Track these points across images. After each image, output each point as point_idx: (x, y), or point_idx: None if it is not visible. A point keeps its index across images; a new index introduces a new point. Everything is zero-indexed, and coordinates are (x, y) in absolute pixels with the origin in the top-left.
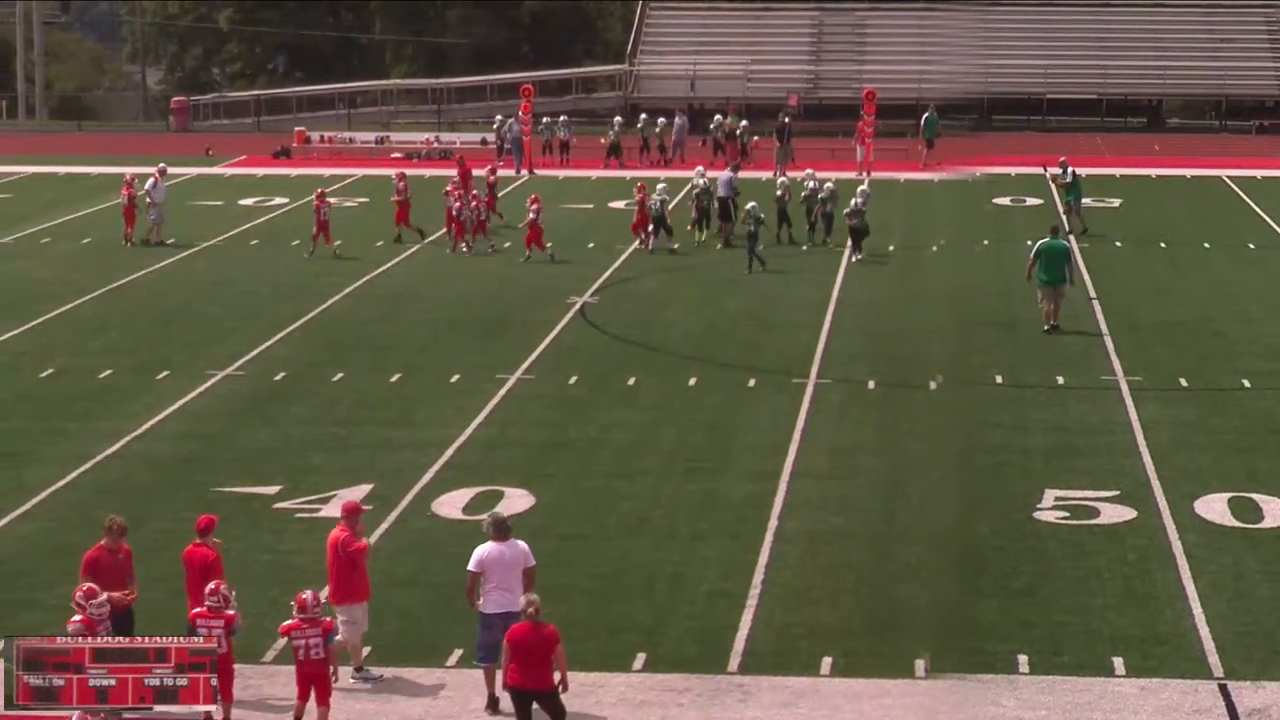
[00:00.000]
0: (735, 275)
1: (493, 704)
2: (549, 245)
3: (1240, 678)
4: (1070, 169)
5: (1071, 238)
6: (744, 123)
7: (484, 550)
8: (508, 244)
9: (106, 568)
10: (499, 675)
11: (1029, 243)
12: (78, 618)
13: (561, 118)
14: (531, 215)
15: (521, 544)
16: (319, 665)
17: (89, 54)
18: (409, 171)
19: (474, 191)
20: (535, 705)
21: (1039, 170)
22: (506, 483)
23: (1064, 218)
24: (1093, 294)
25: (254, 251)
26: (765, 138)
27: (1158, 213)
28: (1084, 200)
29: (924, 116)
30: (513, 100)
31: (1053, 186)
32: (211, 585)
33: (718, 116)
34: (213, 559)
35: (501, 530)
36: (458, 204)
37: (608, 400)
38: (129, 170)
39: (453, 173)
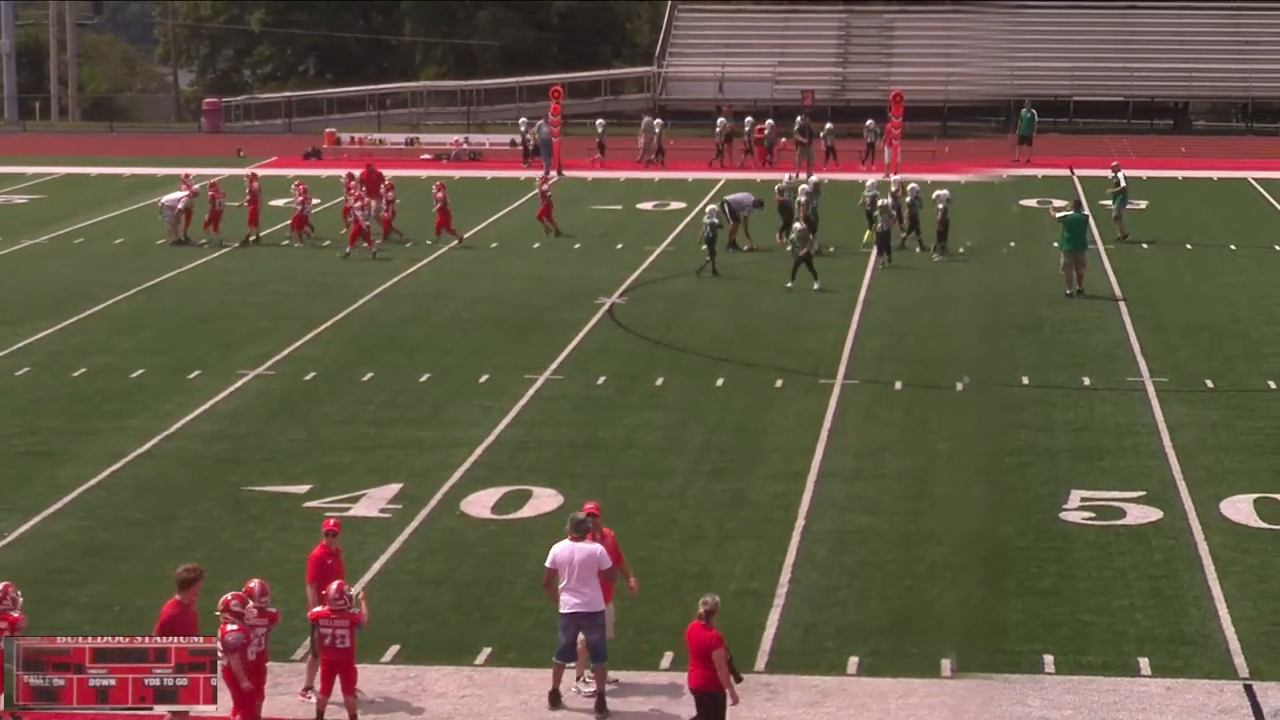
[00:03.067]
0: (763, 276)
1: (553, 699)
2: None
3: (1266, 678)
4: (1120, 174)
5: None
6: (731, 123)
7: (557, 549)
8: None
9: (182, 624)
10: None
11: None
12: (234, 626)
13: (658, 123)
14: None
15: (596, 546)
16: (344, 654)
17: (121, 55)
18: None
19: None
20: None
21: (1065, 172)
22: (535, 482)
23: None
24: (1119, 295)
25: (285, 252)
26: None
27: (1184, 215)
28: (1110, 203)
29: (1020, 113)
30: (542, 102)
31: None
32: (336, 585)
33: (720, 119)
34: (315, 555)
35: (577, 529)
36: (359, 205)
37: (636, 401)
38: (203, 171)
39: (434, 174)
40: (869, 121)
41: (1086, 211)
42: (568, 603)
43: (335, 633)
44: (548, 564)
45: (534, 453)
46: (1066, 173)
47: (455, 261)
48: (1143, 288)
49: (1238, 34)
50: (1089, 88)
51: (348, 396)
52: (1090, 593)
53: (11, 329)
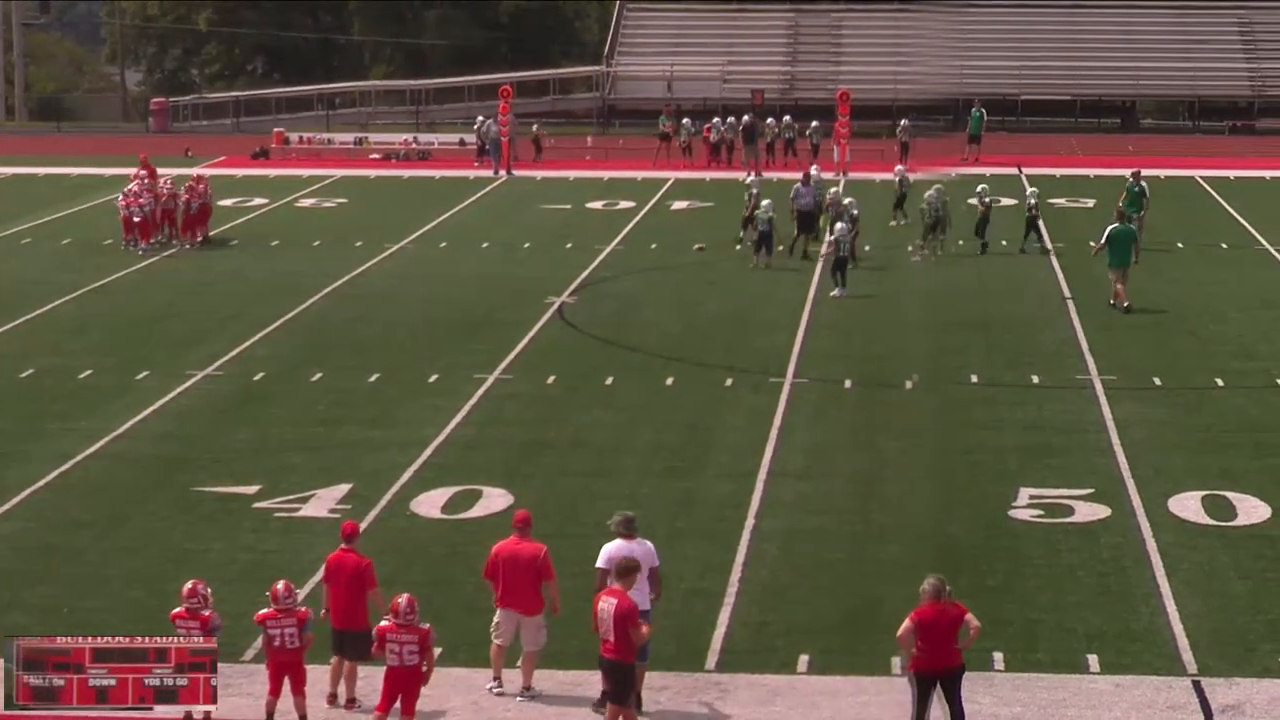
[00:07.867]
0: (714, 276)
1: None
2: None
3: (1214, 674)
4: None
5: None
6: (685, 121)
7: (610, 548)
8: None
9: None
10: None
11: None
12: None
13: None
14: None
15: (648, 544)
16: (293, 655)
17: (68, 55)
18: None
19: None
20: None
21: (1013, 171)
22: (485, 482)
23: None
24: (1067, 294)
25: (233, 252)
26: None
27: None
28: (1059, 201)
29: (970, 112)
30: (491, 101)
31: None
32: (283, 584)
33: (661, 117)
34: (365, 565)
35: (628, 528)
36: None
37: (586, 400)
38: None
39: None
40: (786, 118)
41: (1131, 226)
42: None
43: (284, 633)
44: (600, 563)
45: (484, 452)
46: (1014, 171)
47: (404, 261)
48: (1090, 286)
49: (1184, 33)
50: (1037, 86)
51: (297, 397)
52: (1039, 590)
53: None
